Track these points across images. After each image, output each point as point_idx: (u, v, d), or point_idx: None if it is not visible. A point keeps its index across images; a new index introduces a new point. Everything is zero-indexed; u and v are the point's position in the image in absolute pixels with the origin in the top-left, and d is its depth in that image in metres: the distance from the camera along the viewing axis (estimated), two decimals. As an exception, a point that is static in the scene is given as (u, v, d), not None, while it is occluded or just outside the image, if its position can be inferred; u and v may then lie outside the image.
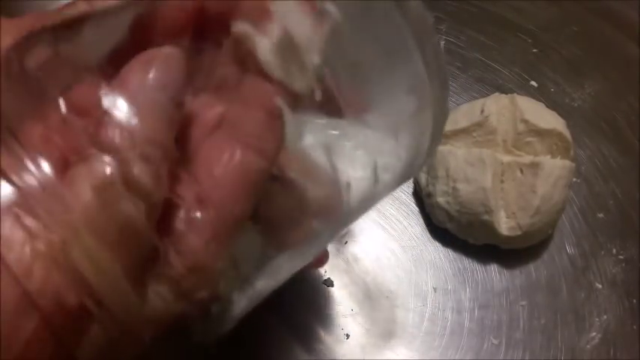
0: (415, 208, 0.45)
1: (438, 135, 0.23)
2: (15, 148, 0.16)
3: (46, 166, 0.16)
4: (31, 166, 0.16)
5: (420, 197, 0.45)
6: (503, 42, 0.53)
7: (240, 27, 0.19)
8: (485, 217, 0.41)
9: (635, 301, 0.42)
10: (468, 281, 0.43)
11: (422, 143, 0.23)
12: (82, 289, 0.16)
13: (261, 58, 0.18)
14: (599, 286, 0.43)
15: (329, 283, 0.42)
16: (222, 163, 0.18)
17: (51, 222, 0.15)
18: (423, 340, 0.41)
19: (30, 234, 0.15)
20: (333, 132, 0.21)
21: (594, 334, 0.41)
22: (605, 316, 0.42)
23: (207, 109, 0.20)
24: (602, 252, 0.44)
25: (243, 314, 0.21)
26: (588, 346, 0.41)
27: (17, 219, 0.15)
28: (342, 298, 0.42)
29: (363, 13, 0.20)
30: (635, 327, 0.41)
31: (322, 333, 0.40)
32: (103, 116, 0.17)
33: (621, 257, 0.44)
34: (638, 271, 0.43)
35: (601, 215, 0.45)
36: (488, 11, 0.54)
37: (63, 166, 0.16)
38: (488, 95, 0.45)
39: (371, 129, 0.22)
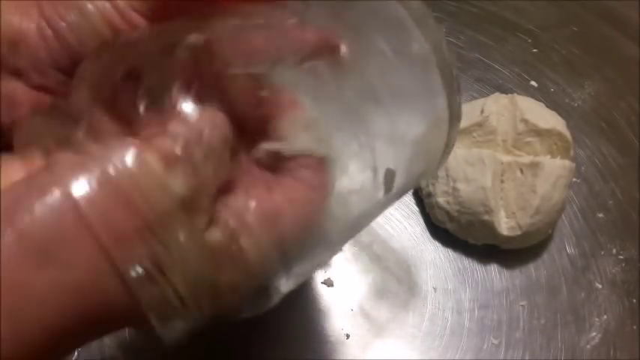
0: (415, 208, 0.45)
1: (450, 149, 0.27)
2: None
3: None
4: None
5: (420, 197, 0.45)
6: (503, 42, 0.53)
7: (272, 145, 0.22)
8: (486, 217, 0.41)
9: (635, 301, 0.42)
10: (468, 281, 0.43)
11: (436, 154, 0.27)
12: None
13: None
14: (599, 286, 0.43)
15: (329, 283, 0.42)
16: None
17: None
18: (423, 340, 0.41)
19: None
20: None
21: (594, 334, 0.41)
22: (605, 316, 0.42)
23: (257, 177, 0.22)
24: (602, 252, 0.44)
25: (286, 293, 0.24)
26: (588, 346, 0.41)
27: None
28: (342, 298, 0.41)
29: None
30: (635, 327, 0.41)
31: (322, 333, 0.40)
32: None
33: (621, 257, 0.44)
34: (638, 271, 0.43)
35: (601, 215, 0.45)
36: (488, 11, 0.54)
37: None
38: (489, 95, 0.45)
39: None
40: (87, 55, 0.21)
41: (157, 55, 0.21)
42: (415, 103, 0.25)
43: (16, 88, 0.23)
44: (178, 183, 0.18)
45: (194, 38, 0.21)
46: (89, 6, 0.21)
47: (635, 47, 0.53)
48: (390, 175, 0.25)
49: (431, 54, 0.24)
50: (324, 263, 0.26)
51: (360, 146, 0.24)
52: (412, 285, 0.42)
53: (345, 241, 0.26)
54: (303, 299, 0.42)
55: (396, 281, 0.43)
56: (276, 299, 0.23)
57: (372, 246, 0.44)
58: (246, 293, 0.21)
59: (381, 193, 0.25)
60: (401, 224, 0.45)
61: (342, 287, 0.42)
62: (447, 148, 0.27)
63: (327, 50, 0.23)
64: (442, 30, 0.24)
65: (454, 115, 0.26)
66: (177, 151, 0.19)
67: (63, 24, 0.21)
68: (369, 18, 0.24)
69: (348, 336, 0.40)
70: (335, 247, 0.26)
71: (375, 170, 0.24)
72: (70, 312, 0.17)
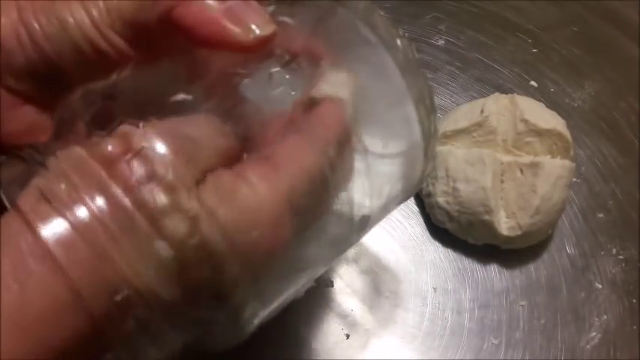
0: (415, 208, 0.45)
1: (432, 156, 0.27)
2: None
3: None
4: None
5: (420, 197, 0.45)
6: (503, 42, 0.53)
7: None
8: (486, 217, 0.41)
9: (635, 301, 0.42)
10: (468, 281, 0.43)
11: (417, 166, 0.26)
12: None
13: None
14: (599, 286, 0.43)
15: (329, 283, 0.42)
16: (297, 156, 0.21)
17: None
18: (423, 340, 0.41)
19: None
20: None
21: (594, 334, 0.41)
22: (605, 316, 0.42)
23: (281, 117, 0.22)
24: (602, 252, 0.44)
25: (257, 325, 0.23)
26: (588, 346, 0.41)
27: None
28: (342, 298, 0.42)
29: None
30: (635, 327, 0.41)
31: (322, 333, 0.40)
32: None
33: (621, 257, 0.44)
34: (638, 271, 0.43)
35: (601, 215, 0.45)
36: (489, 11, 0.54)
37: None
38: (489, 95, 0.45)
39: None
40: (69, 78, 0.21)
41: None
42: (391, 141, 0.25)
43: None
44: (163, 244, 0.18)
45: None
46: (70, 20, 0.21)
47: (636, 47, 0.53)
48: (364, 220, 0.25)
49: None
50: (299, 292, 0.25)
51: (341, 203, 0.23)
52: (412, 285, 0.42)
53: (313, 274, 0.26)
54: (303, 299, 0.41)
55: (396, 281, 0.43)
56: (249, 330, 0.23)
57: (371, 246, 0.44)
58: (219, 323, 0.21)
59: (354, 236, 0.25)
60: (401, 224, 0.45)
61: (341, 287, 0.42)
62: (423, 175, 0.27)
63: (310, 57, 0.23)
64: (426, 79, 0.25)
65: (429, 153, 0.26)
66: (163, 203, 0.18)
67: (41, 33, 0.21)
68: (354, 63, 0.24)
69: (348, 336, 0.40)
70: (305, 276, 0.26)
71: (351, 221, 0.24)
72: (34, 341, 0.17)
